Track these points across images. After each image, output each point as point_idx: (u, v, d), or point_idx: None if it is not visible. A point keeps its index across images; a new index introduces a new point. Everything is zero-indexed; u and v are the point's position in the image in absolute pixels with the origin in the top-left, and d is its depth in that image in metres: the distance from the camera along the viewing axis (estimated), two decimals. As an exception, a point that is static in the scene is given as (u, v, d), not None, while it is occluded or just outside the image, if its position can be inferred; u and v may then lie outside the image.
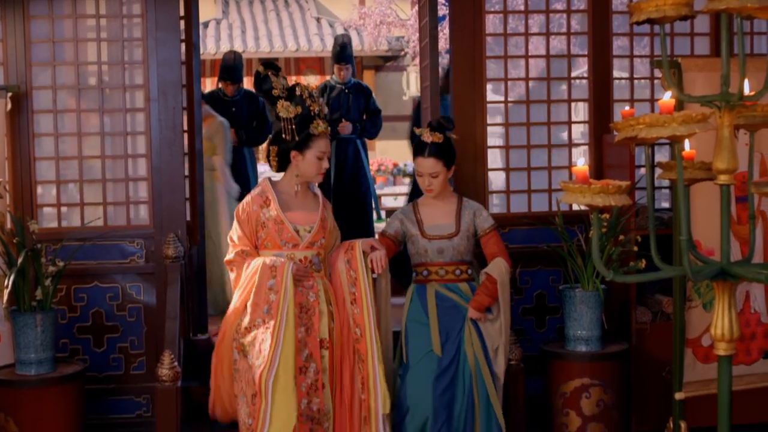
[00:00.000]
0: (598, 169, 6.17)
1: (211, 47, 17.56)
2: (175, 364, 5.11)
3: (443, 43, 9.44)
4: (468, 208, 5.10)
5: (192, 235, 6.25)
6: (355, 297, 4.74)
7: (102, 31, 6.07)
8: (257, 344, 4.52)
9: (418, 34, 7.70)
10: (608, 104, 6.24)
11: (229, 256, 4.68)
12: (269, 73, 4.72)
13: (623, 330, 5.83)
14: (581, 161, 3.52)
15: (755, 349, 5.21)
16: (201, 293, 6.47)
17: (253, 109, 8.35)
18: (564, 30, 6.33)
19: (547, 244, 5.86)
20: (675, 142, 3.75)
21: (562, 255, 5.58)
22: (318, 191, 4.81)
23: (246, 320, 4.57)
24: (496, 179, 6.44)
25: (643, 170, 5.93)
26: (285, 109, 4.62)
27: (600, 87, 6.22)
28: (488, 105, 6.22)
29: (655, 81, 6.31)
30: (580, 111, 6.49)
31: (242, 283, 4.61)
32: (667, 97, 3.65)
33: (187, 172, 6.23)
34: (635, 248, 5.42)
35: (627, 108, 3.86)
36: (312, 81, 22.15)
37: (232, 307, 4.67)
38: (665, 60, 3.88)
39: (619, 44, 6.35)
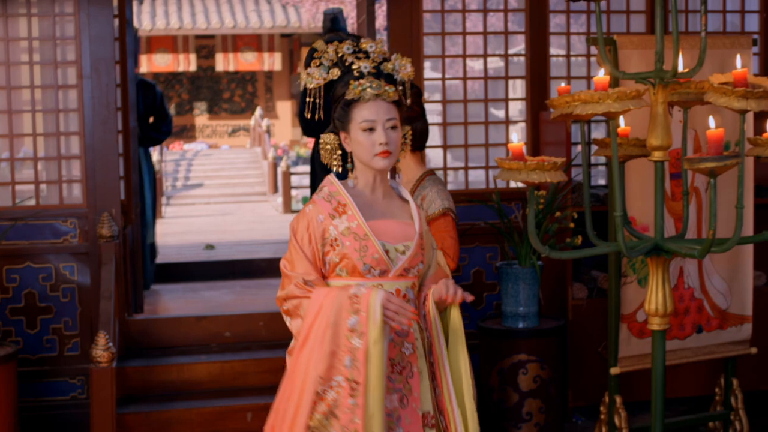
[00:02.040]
0: (536, 146, 6.19)
1: (147, 23, 17.34)
2: (110, 344, 5.05)
3: (381, 20, 9.41)
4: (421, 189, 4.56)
5: (127, 213, 6.17)
6: (433, 370, 3.36)
7: (32, 7, 5.94)
8: (342, 418, 3.13)
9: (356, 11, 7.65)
10: (545, 81, 6.26)
11: (284, 291, 3.29)
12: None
13: (560, 306, 5.88)
14: (516, 138, 3.52)
15: (689, 324, 5.27)
16: (136, 272, 6.39)
17: (150, 100, 7.49)
18: (501, 7, 6.33)
19: (484, 221, 5.87)
20: (610, 118, 3.77)
21: (500, 232, 5.59)
22: (405, 193, 3.49)
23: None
24: (435, 157, 6.44)
25: (579, 147, 5.96)
26: (310, 77, 3.37)
27: (537, 64, 6.24)
28: (426, 82, 6.21)
29: (592, 58, 6.34)
30: (518, 88, 6.51)
31: (304, 329, 3.22)
32: (601, 74, 3.66)
33: (121, 150, 6.14)
34: (571, 225, 5.45)
35: (563, 85, 3.86)
36: (250, 59, 22.00)
37: (286, 384, 3.33)
38: (600, 37, 3.89)
39: (556, 22, 6.37)
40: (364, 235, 3.26)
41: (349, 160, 3.36)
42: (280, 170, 16.57)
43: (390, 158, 3.28)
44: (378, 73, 3.34)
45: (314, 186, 6.39)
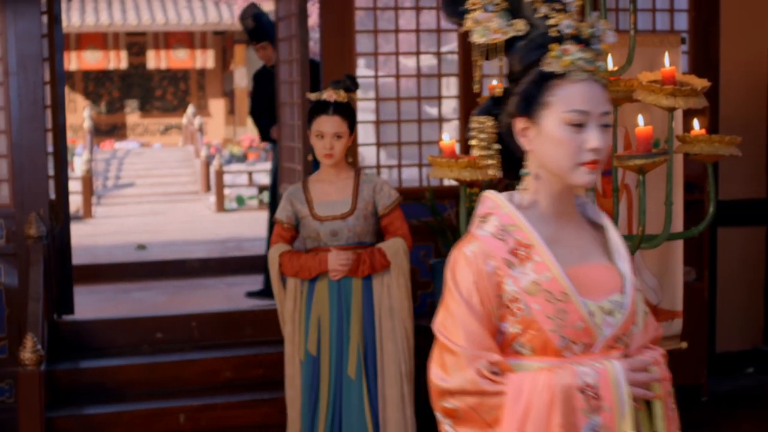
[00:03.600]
0: (468, 144, 6.20)
1: (76, 20, 17.10)
2: (38, 347, 4.96)
3: (315, 17, 9.36)
4: (367, 182, 4.54)
5: (56, 214, 6.06)
6: None
7: (-44, 2, 5.82)
8: None
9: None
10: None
11: (450, 379, 2.16)
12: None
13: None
14: (447, 136, 3.52)
15: (620, 320, 5.33)
16: (66, 274, 6.29)
17: None
18: (434, 5, 6.33)
19: (417, 218, 5.88)
20: (541, 116, 3.78)
21: (433, 229, 5.60)
22: (599, 214, 2.36)
23: None
24: (368, 154, 6.43)
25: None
26: (482, 28, 2.20)
27: (470, 62, 6.25)
28: (359, 80, 6.18)
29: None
30: (451, 86, 6.52)
31: None
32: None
33: (51, 149, 6.04)
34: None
35: (493, 82, 3.87)
36: (182, 56, 21.81)
37: None
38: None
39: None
40: (561, 293, 2.14)
41: (525, 163, 2.24)
42: (212, 169, 16.43)
43: (598, 171, 2.17)
44: (577, 38, 2.19)
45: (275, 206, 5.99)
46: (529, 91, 2.19)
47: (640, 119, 3.68)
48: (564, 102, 2.15)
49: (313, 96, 4.54)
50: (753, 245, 6.88)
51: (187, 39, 21.12)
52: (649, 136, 3.64)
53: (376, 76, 6.27)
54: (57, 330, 5.95)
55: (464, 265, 2.17)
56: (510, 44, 2.23)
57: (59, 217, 6.12)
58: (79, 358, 5.89)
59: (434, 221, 5.59)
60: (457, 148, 3.96)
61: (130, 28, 17.60)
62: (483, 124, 2.30)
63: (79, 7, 17.52)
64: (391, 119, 6.30)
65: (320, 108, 4.43)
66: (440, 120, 6.41)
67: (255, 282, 7.25)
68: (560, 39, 2.17)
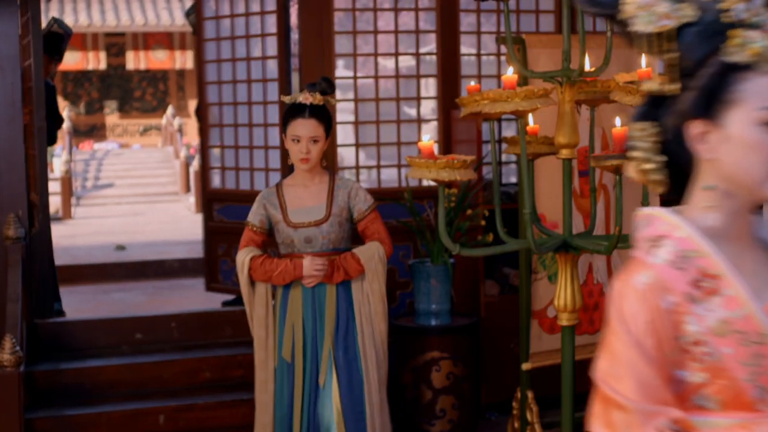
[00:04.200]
0: (447, 145, 6.23)
1: (55, 21, 17.03)
2: (17, 348, 4.94)
3: (294, 18, 9.38)
4: (342, 187, 4.43)
5: (34, 215, 6.05)
6: None
7: (-66, 3, 5.80)
8: None
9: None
10: (456, 80, 6.30)
11: None
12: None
13: (472, 303, 5.93)
14: (426, 137, 3.54)
15: (598, 319, 5.36)
16: (44, 275, 6.28)
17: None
18: (413, 6, 6.35)
19: (396, 219, 5.90)
20: (519, 117, 3.81)
21: (412, 230, 5.62)
22: None
23: None
24: (347, 155, 6.44)
25: (490, 145, 6.01)
26: (647, 13, 1.82)
27: (448, 63, 6.28)
28: (338, 81, 6.20)
29: (502, 57, 6.40)
30: (430, 87, 6.54)
31: None
32: (509, 73, 3.70)
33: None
34: (482, 222, 5.50)
35: (474, 84, 3.90)
36: (161, 57, 21.77)
37: None
38: (509, 36, 3.95)
39: (468, 21, 6.41)
40: (758, 334, 1.77)
41: (699, 175, 1.83)
42: (192, 170, 16.41)
43: None
44: (754, 24, 1.81)
45: None
46: (709, 86, 1.77)
47: (617, 120, 3.72)
48: (757, 98, 1.75)
49: (287, 99, 4.42)
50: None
51: (167, 40, 21.08)
52: (626, 136, 3.67)
53: (355, 77, 6.28)
54: (36, 331, 5.94)
55: (635, 300, 1.76)
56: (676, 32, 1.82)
57: (38, 218, 6.10)
58: (59, 359, 5.88)
59: (413, 222, 5.60)
60: (435, 148, 3.98)
61: (109, 28, 17.56)
62: (644, 131, 1.85)
63: (57, 8, 17.46)
64: (370, 120, 6.31)
65: (296, 111, 4.31)
66: (419, 121, 6.43)
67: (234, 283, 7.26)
68: (737, 25, 1.78)
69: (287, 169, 6.23)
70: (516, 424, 5.31)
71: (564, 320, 4.02)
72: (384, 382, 4.45)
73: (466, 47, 6.42)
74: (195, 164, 16.07)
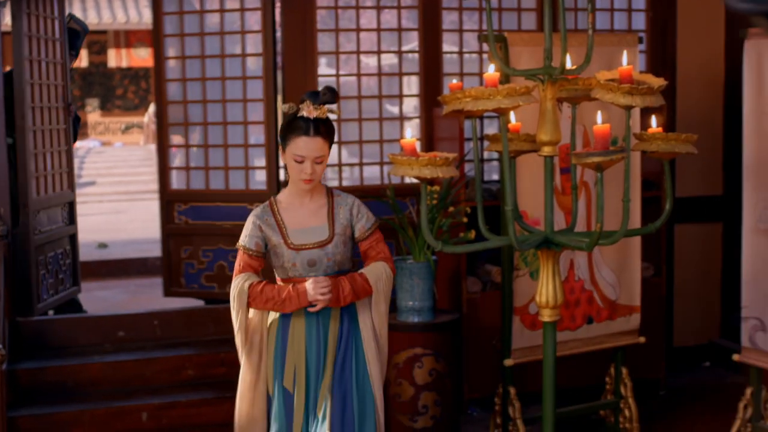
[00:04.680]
0: (430, 142, 6.26)
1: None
2: (0, 346, 4.94)
3: (277, 15, 9.38)
4: (342, 204, 4.01)
5: (17, 213, 6.04)
6: None
7: None
8: None
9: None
10: (438, 78, 6.32)
11: None
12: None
13: (454, 300, 5.95)
14: (409, 133, 3.56)
15: (579, 315, 5.40)
16: (27, 273, 6.27)
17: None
18: (395, 4, 6.37)
19: (378, 216, 5.89)
20: (501, 114, 3.83)
21: (394, 227, 5.63)
22: None
23: None
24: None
25: (472, 143, 6.04)
26: None
27: (430, 61, 6.30)
28: (320, 78, 6.22)
29: (484, 55, 6.43)
30: (412, 84, 6.56)
31: None
32: (491, 71, 3.72)
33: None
34: (465, 219, 5.52)
35: (456, 81, 3.92)
36: (143, 55, 21.71)
37: None
38: (491, 34, 3.96)
39: (450, 19, 6.44)
40: None
41: None
42: (174, 167, 16.40)
43: None
44: None
45: None
46: None
47: (599, 117, 3.74)
48: None
49: (285, 108, 3.91)
50: (710, 242, 6.98)
51: (148, 38, 21.01)
52: (607, 134, 3.70)
53: (337, 75, 6.30)
54: (18, 329, 5.93)
55: None
56: None
57: (20, 215, 6.10)
58: (41, 357, 5.88)
59: (395, 219, 5.62)
60: (417, 146, 4.00)
61: (90, 26, 17.52)
62: None
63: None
64: (353, 117, 6.33)
65: (298, 128, 3.82)
66: (401, 118, 6.45)
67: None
68: None
69: (274, 169, 6.25)
70: (498, 420, 5.34)
71: (546, 316, 4.04)
72: (382, 403, 4.08)
73: (448, 45, 6.44)
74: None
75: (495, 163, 6.59)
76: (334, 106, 3.93)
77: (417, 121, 6.42)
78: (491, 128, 6.49)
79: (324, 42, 6.24)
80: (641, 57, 6.50)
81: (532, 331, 5.23)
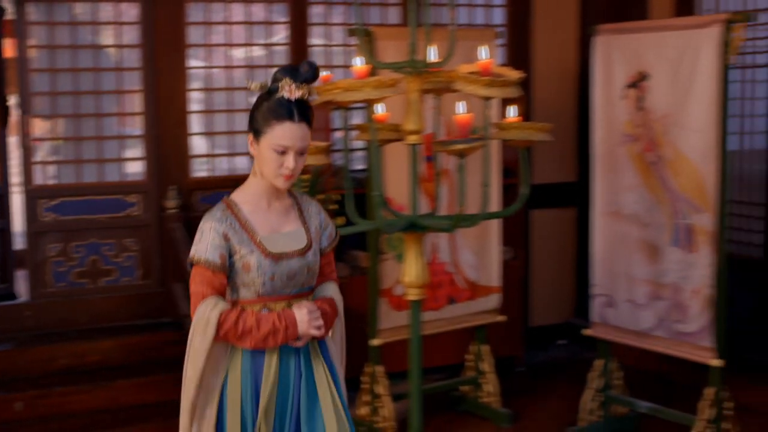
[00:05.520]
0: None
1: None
2: None
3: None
4: (310, 205, 3.30)
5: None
6: None
7: None
8: None
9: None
10: (306, 70, 6.48)
11: None
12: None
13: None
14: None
15: (443, 296, 5.67)
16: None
17: None
18: (264, -2, 6.51)
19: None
20: (369, 105, 4.05)
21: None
22: None
23: None
24: (198, 144, 6.55)
25: (340, 133, 6.24)
26: None
27: (298, 53, 6.47)
28: (190, 71, 6.31)
29: (350, 48, 6.63)
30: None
31: None
32: (359, 64, 3.93)
33: None
34: (335, 206, 5.72)
35: (325, 74, 4.11)
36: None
37: None
38: (360, 28, 4.18)
39: (317, 12, 6.61)
40: None
41: None
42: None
43: None
44: None
45: None
46: None
47: (460, 108, 4.00)
48: None
49: (255, 86, 3.16)
50: (565, 226, 7.36)
51: (9, 27, 20.51)
52: (468, 123, 3.96)
53: (207, 67, 6.40)
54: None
55: None
56: None
57: None
58: None
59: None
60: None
61: None
62: None
63: None
64: (222, 109, 6.44)
65: (279, 112, 3.04)
66: (270, 109, 6.58)
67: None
68: None
69: (153, 160, 6.26)
70: (366, 398, 5.56)
71: (412, 295, 4.29)
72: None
73: (315, 38, 6.62)
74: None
75: (360, 153, 6.80)
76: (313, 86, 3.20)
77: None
78: (356, 119, 6.69)
79: (194, 34, 6.33)
80: (501, 50, 6.82)
81: (398, 312, 5.47)
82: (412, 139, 4.20)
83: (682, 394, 5.75)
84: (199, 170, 6.44)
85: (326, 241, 3.27)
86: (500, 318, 5.89)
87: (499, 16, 7.07)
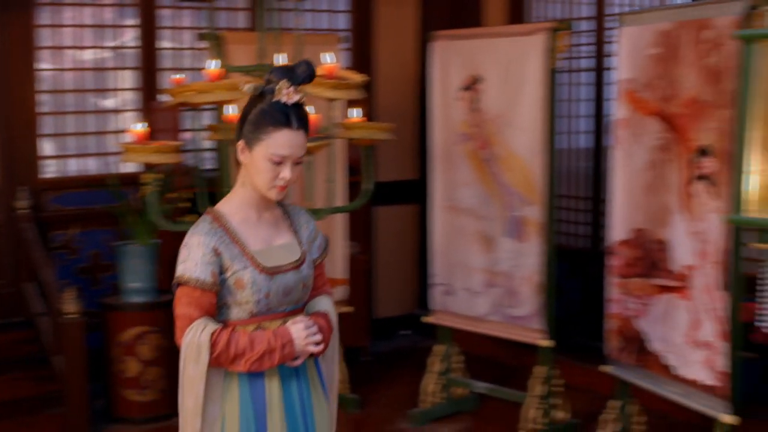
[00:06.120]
0: (148, 133, 6.53)
1: None
2: None
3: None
4: (297, 214, 3.06)
5: None
6: None
7: None
8: None
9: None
10: (155, 72, 6.63)
11: None
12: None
13: (173, 279, 6.28)
14: (143, 124, 3.91)
15: (293, 289, 5.90)
16: None
17: None
18: (114, 1, 6.59)
19: (101, 204, 6.16)
20: (219, 106, 4.27)
21: (117, 214, 5.92)
22: None
23: None
24: (47, 146, 6.59)
25: (189, 134, 6.42)
26: None
27: (148, 56, 6.60)
28: (40, 72, 6.36)
29: (199, 51, 6.78)
30: (127, 79, 6.79)
31: None
32: (212, 66, 4.15)
33: None
34: (186, 204, 5.89)
35: (174, 76, 4.29)
36: None
37: None
38: (211, 33, 4.39)
39: (167, 15, 6.74)
40: None
41: None
42: None
43: None
44: None
45: None
46: None
47: (310, 108, 4.25)
48: None
49: (248, 87, 2.91)
50: (408, 221, 7.70)
51: None
52: (315, 123, 4.23)
53: (56, 69, 6.46)
54: None
55: None
56: None
57: None
58: None
59: (117, 206, 5.90)
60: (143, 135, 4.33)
61: None
62: None
63: None
64: (71, 110, 6.51)
65: (277, 118, 2.80)
66: (118, 111, 6.69)
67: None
68: None
69: (2, 158, 6.29)
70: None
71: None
72: None
73: (165, 41, 6.75)
74: None
75: (211, 153, 6.96)
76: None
77: (132, 113, 6.65)
78: (206, 120, 6.85)
79: (44, 37, 6.37)
80: (345, 54, 7.10)
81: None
82: (264, 138, 4.43)
83: (517, 375, 6.17)
84: (50, 171, 6.49)
85: (317, 252, 3.03)
86: (347, 309, 6.17)
87: (343, 22, 7.36)
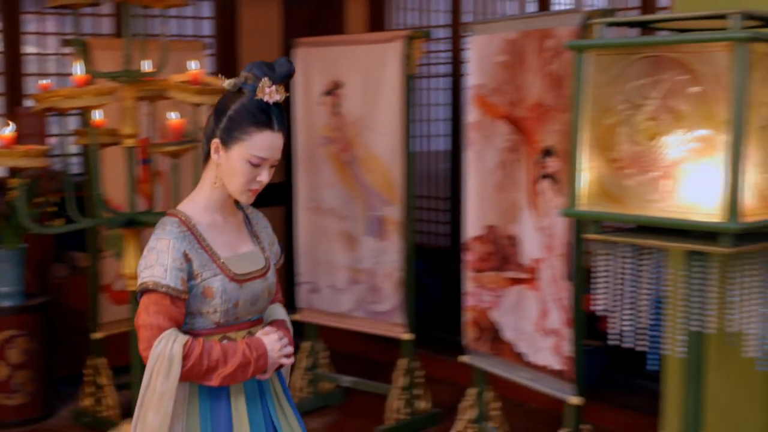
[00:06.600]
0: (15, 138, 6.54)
1: None
2: None
3: None
4: (257, 217, 2.97)
5: None
6: None
7: None
8: None
9: None
10: (20, 78, 6.65)
11: None
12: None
13: (43, 284, 6.34)
14: (11, 128, 3.99)
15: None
16: None
17: None
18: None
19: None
20: (86, 111, 4.39)
21: (-17, 219, 5.92)
22: None
23: None
24: None
25: (53, 139, 6.46)
26: None
27: (12, 61, 6.61)
28: None
29: (64, 57, 6.82)
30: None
31: None
32: (79, 72, 4.26)
33: None
34: (53, 209, 5.93)
35: (41, 81, 4.38)
36: None
37: None
38: (78, 39, 4.50)
39: (30, 19, 6.75)
40: None
41: None
42: None
43: None
44: None
45: None
46: None
47: (173, 114, 4.40)
48: None
49: (230, 84, 2.74)
50: (276, 223, 7.59)
51: None
52: (181, 127, 4.38)
53: None
54: None
55: None
56: None
57: None
58: None
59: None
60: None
61: None
62: None
63: None
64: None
65: (258, 118, 2.68)
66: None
67: None
68: None
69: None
70: (89, 389, 5.82)
71: (132, 286, 4.64)
72: None
73: (29, 46, 6.76)
74: None
75: (77, 157, 7.00)
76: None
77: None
78: (73, 124, 6.89)
79: None
80: (210, 60, 7.23)
81: (119, 306, 5.78)
82: (129, 142, 4.56)
83: (384, 369, 6.40)
84: None
85: (274, 259, 2.93)
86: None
87: (208, 28, 7.48)
